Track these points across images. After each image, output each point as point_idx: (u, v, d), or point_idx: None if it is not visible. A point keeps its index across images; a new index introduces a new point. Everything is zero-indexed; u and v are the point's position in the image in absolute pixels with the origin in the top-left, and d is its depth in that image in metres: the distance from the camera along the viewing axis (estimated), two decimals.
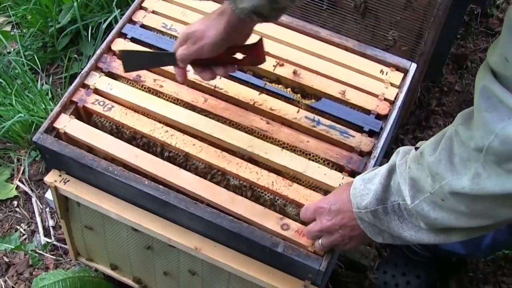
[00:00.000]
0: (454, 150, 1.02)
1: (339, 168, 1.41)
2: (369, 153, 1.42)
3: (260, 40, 1.36)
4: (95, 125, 1.53)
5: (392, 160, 1.17)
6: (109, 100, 1.53)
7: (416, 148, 1.13)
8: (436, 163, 1.04)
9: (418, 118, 2.31)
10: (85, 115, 1.54)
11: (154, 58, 1.48)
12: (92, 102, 1.52)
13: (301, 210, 1.33)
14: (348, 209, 1.22)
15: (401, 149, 1.18)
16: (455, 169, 1.01)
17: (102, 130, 1.50)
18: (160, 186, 1.39)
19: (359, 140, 1.44)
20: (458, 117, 1.03)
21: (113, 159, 1.46)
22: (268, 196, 1.40)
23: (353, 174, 1.40)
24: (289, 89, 1.53)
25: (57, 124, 1.49)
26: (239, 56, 1.37)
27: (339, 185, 1.37)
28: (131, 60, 1.47)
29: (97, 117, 1.54)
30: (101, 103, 1.52)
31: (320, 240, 1.28)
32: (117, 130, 1.52)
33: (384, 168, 1.18)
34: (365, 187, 1.19)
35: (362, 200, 1.18)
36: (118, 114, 1.50)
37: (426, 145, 1.09)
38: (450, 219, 1.06)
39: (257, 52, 1.36)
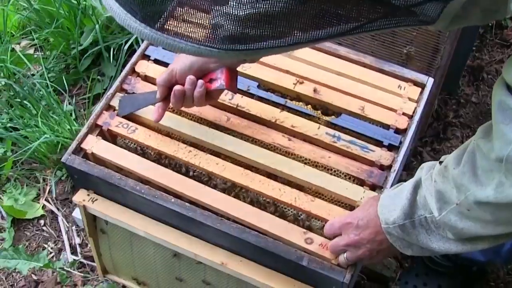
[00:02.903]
0: (477, 162, 1.06)
1: (360, 182, 1.44)
2: (389, 167, 1.45)
3: (232, 69, 1.39)
4: (120, 147, 1.56)
5: (417, 176, 1.21)
6: (132, 122, 1.56)
7: (440, 162, 1.17)
8: (460, 175, 1.08)
9: (436, 130, 2.33)
10: (110, 137, 1.58)
11: (146, 97, 1.54)
12: (116, 125, 1.55)
13: (325, 225, 1.35)
14: (376, 224, 1.25)
15: (425, 164, 1.22)
16: (479, 181, 1.05)
17: None
18: (186, 203, 1.43)
19: (379, 154, 1.46)
20: (478, 131, 1.07)
21: (139, 178, 1.50)
22: (291, 212, 1.43)
23: (374, 188, 1.43)
24: (309, 106, 1.56)
25: (84, 145, 1.53)
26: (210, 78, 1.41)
27: (361, 198, 1.40)
28: (126, 104, 1.56)
29: (122, 139, 1.58)
30: (125, 126, 1.55)
31: (345, 254, 1.31)
32: (142, 151, 1.56)
33: (409, 183, 1.21)
34: (392, 203, 1.22)
35: (390, 216, 1.22)
36: (142, 136, 1.54)
37: (450, 159, 1.13)
38: (477, 227, 1.09)
39: (225, 77, 1.39)
